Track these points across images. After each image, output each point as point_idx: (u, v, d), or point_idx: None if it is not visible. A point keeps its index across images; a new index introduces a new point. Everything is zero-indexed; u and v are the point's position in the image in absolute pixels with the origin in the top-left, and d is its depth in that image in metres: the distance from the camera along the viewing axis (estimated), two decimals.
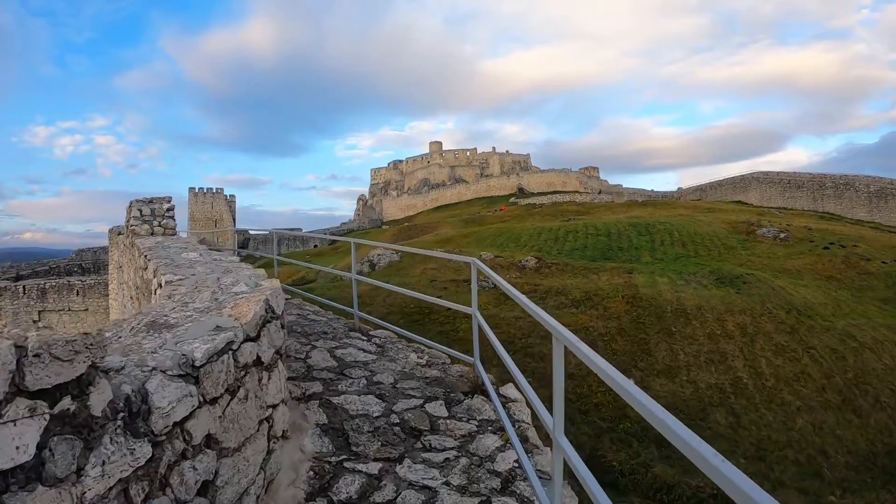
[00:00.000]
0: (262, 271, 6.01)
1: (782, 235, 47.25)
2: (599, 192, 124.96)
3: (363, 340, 8.23)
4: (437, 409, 5.85)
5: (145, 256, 7.71)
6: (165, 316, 3.97)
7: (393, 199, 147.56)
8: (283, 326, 4.71)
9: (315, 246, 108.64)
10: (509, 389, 6.54)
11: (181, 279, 5.56)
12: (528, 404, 5.09)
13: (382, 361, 7.23)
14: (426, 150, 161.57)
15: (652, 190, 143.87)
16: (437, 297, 26.36)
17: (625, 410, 20.98)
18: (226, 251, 9.67)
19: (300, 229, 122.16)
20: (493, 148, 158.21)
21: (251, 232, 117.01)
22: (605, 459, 18.72)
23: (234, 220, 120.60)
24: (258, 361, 3.89)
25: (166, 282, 5.52)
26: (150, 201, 12.12)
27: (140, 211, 11.52)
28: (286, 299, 11.28)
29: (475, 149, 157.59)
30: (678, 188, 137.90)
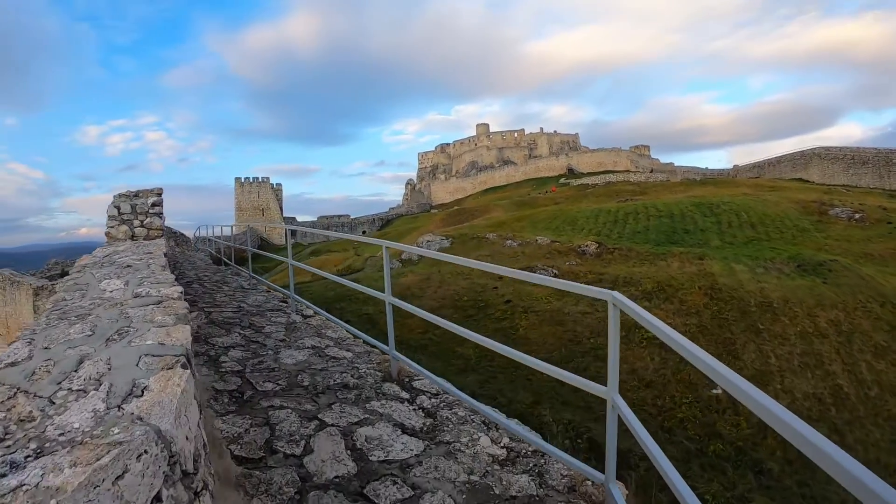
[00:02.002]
0: (179, 337, 3.05)
1: (857, 216, 42.99)
2: (651, 171, 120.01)
3: (403, 402, 5.24)
4: None
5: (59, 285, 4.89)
6: None
7: (441, 183, 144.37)
8: None
9: (363, 232, 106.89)
10: None
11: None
12: None
13: (434, 457, 4.22)
14: (473, 133, 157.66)
15: (706, 168, 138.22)
16: (494, 288, 23.31)
17: (714, 427, 17.72)
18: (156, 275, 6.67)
19: (348, 216, 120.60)
20: (541, 128, 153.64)
21: (298, 220, 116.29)
22: (696, 492, 15.50)
23: (281, 208, 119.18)
24: None
25: None
26: (136, 195, 9.35)
27: (118, 209, 8.77)
28: (304, 318, 8.36)
29: (522, 130, 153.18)
30: (733, 165, 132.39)
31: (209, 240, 23.50)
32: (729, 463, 16.60)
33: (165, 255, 6.41)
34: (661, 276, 27.07)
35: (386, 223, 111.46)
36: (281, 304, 9.53)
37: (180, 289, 4.18)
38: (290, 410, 4.88)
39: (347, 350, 6.80)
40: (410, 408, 5.12)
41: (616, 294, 3.27)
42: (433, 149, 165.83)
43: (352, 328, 7.03)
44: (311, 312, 8.59)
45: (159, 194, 9.36)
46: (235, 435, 4.45)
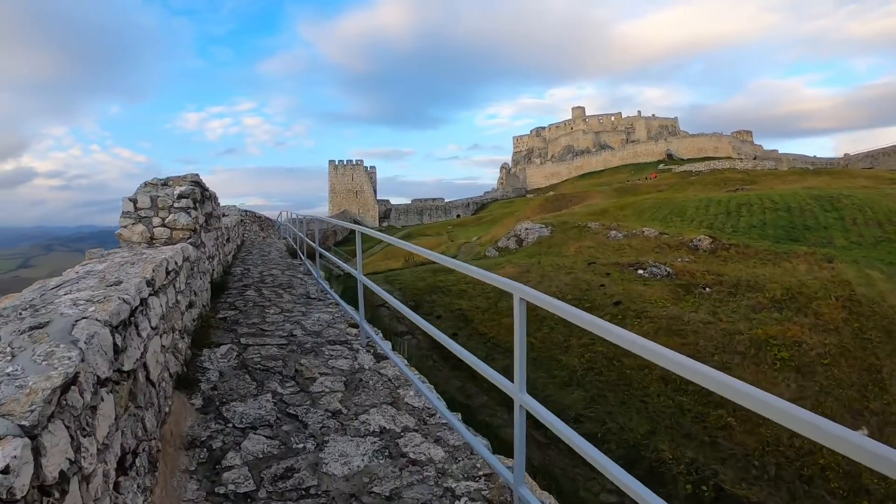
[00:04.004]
0: None
1: None
2: (755, 158, 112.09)
3: None
4: None
5: None
6: None
7: (536, 167, 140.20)
8: None
9: (458, 216, 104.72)
10: None
11: None
12: None
13: None
14: (567, 116, 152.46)
15: (814, 156, 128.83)
16: (600, 286, 20.22)
17: (860, 479, 14.16)
18: None
19: (442, 199, 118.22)
20: (639, 112, 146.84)
21: (392, 202, 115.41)
22: None
23: (374, 191, 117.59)
24: None
25: None
26: (164, 183, 6.94)
27: (133, 203, 6.31)
28: (375, 359, 5.81)
29: (619, 113, 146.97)
30: (844, 154, 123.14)
31: (285, 226, 21.59)
32: None
33: (149, 284, 3.91)
34: (790, 282, 23.04)
35: (481, 207, 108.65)
36: (349, 328, 6.94)
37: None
38: None
39: (436, 441, 4.11)
40: None
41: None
42: (528, 132, 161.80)
43: (441, 406, 4.29)
44: (384, 357, 5.97)
45: (195, 182, 6.91)
46: None
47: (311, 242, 10.07)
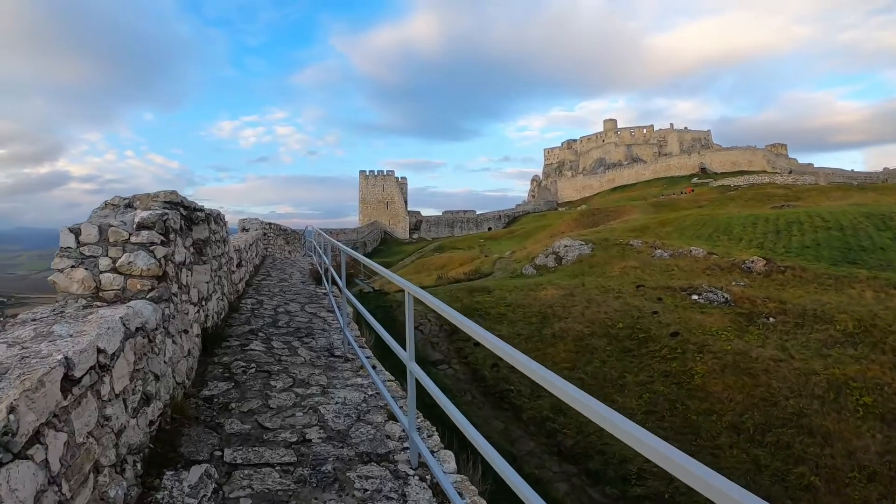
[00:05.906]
0: None
1: None
2: (790, 172, 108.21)
3: None
4: None
5: None
6: None
7: (567, 180, 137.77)
8: None
9: (489, 228, 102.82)
10: None
11: None
12: None
13: None
14: (598, 129, 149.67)
15: (852, 170, 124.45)
16: (653, 313, 18.01)
17: None
18: None
19: (473, 211, 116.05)
20: (671, 124, 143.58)
21: (423, 214, 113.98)
22: None
23: (405, 202, 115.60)
24: None
25: None
26: (128, 204, 4.95)
27: (76, 235, 4.21)
28: (435, 500, 3.85)
29: (651, 126, 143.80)
30: (883, 168, 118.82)
31: (308, 241, 19.87)
32: None
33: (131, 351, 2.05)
34: (860, 312, 20.48)
35: (512, 220, 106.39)
36: (389, 423, 4.99)
37: None
38: None
39: None
40: None
41: None
42: (559, 145, 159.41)
43: None
44: (444, 469, 4.03)
45: (171, 202, 4.77)
46: None
47: (338, 278, 8.16)
